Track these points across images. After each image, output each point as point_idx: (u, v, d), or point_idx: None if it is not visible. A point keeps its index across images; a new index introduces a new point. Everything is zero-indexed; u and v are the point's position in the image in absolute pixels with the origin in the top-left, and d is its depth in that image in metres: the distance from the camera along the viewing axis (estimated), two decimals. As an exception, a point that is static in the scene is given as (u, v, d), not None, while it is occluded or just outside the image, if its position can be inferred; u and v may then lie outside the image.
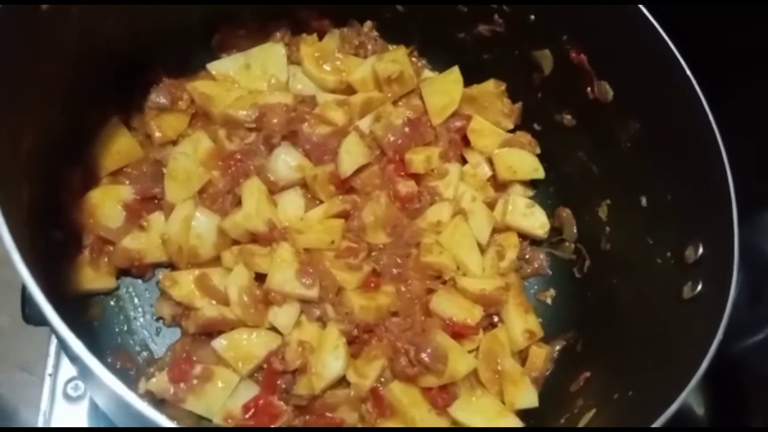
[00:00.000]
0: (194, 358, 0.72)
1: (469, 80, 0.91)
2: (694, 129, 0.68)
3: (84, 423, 0.77)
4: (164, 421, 0.47)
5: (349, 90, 0.89)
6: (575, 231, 0.89)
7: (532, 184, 0.92)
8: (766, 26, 0.78)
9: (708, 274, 0.66)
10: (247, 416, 0.71)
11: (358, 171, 0.81)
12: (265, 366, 0.73)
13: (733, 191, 0.65)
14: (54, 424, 0.77)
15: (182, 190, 0.78)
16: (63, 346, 0.54)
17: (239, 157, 0.80)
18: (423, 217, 0.83)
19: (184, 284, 0.74)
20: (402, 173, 0.85)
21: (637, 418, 0.60)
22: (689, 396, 0.57)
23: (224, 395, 0.71)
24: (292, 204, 0.80)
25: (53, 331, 0.48)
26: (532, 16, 0.81)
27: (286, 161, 0.80)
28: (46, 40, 0.63)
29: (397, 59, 0.89)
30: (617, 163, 0.81)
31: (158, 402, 0.70)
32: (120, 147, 0.79)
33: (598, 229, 0.85)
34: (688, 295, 0.67)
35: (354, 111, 0.86)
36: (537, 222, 0.89)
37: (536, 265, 0.89)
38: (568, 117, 0.86)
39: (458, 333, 0.78)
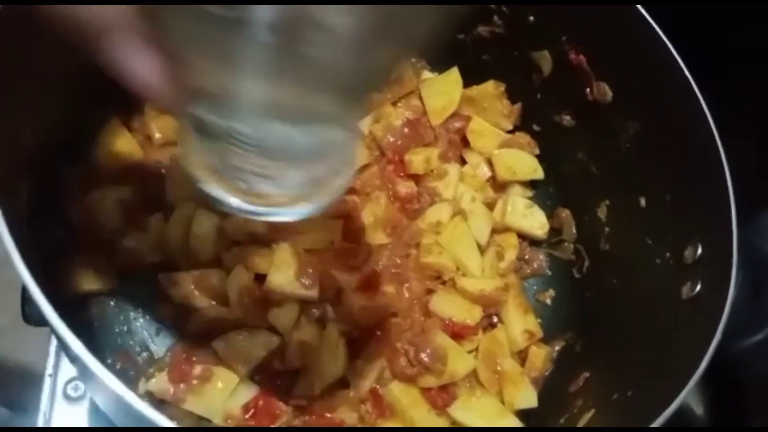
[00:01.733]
0: (194, 359, 0.72)
1: (468, 81, 0.91)
2: (694, 129, 0.69)
3: (84, 423, 0.77)
4: (164, 422, 0.47)
5: (349, 90, 0.89)
6: (574, 231, 0.89)
7: (531, 184, 0.93)
8: (766, 26, 0.78)
9: (707, 274, 0.66)
10: (247, 416, 0.71)
11: (358, 171, 0.82)
12: (264, 366, 0.73)
13: (733, 191, 0.65)
14: (54, 425, 0.77)
15: (182, 191, 0.77)
16: (63, 346, 0.54)
17: (239, 157, 0.80)
18: (422, 217, 0.83)
19: (184, 285, 0.74)
20: (401, 174, 0.85)
21: (637, 418, 0.60)
22: (689, 396, 0.57)
23: (224, 395, 0.71)
24: (291, 204, 0.80)
25: (53, 331, 0.48)
26: (531, 17, 0.81)
27: (286, 162, 0.80)
28: (46, 40, 0.63)
29: (397, 60, 0.89)
30: (616, 163, 0.81)
31: (158, 402, 0.70)
32: (120, 147, 0.79)
33: (597, 229, 0.85)
34: (688, 295, 0.67)
35: (353, 111, 0.87)
36: (536, 222, 0.89)
37: (536, 266, 0.89)
38: (568, 118, 0.86)
39: (458, 333, 0.79)
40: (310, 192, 0.45)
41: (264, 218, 0.45)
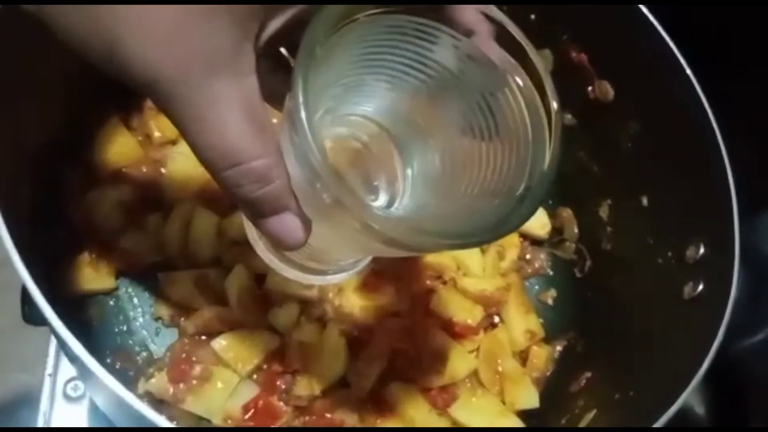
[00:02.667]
0: (193, 359, 0.72)
1: (469, 80, 0.91)
2: (695, 129, 0.68)
3: (84, 423, 0.77)
4: (164, 422, 0.46)
5: (350, 90, 0.89)
6: (576, 231, 0.89)
7: (532, 184, 0.92)
8: (766, 26, 0.78)
9: (709, 274, 0.66)
10: (246, 417, 0.71)
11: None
12: (264, 366, 0.73)
13: (734, 191, 0.65)
14: (54, 424, 0.77)
15: (181, 191, 0.77)
16: (62, 346, 0.54)
17: (239, 157, 0.80)
18: (423, 217, 0.83)
19: (183, 284, 0.74)
20: (402, 173, 0.84)
21: (639, 418, 0.60)
22: (690, 396, 0.57)
23: (224, 396, 0.71)
24: (291, 204, 0.80)
25: (53, 331, 0.48)
26: (533, 16, 0.81)
27: (286, 161, 0.80)
28: (46, 40, 0.63)
29: (398, 59, 0.88)
30: (618, 163, 0.81)
31: (158, 402, 0.70)
32: (119, 147, 0.79)
33: (598, 229, 0.85)
34: (689, 295, 0.67)
35: (354, 111, 0.86)
36: (538, 222, 0.89)
37: (537, 266, 0.89)
38: (569, 117, 0.86)
39: (458, 333, 0.78)
40: (338, 269, 0.58)
41: (309, 282, 0.59)
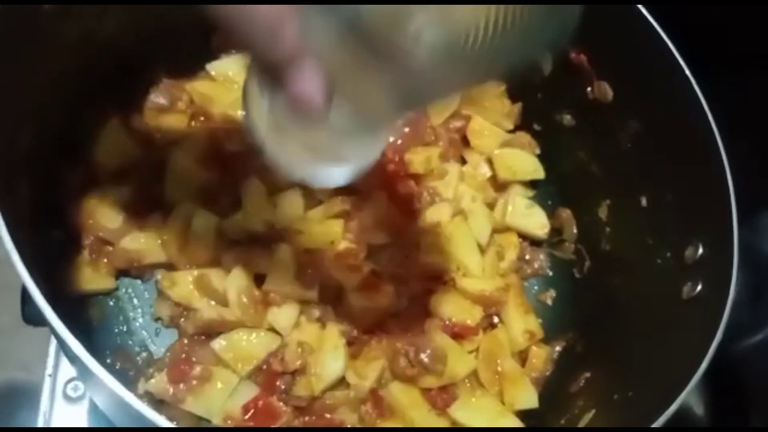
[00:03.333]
0: (193, 359, 0.72)
1: (468, 80, 0.91)
2: (694, 129, 0.68)
3: (84, 423, 0.77)
4: (163, 422, 0.46)
5: (349, 90, 0.89)
6: (575, 231, 0.89)
7: (532, 184, 0.92)
8: (765, 26, 0.78)
9: (708, 274, 0.66)
10: (246, 417, 0.71)
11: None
12: (264, 367, 0.73)
13: (733, 191, 0.65)
14: (54, 424, 0.77)
15: (181, 191, 0.77)
16: (62, 346, 0.54)
17: (239, 157, 0.80)
18: (423, 217, 0.83)
19: (183, 285, 0.74)
20: (402, 173, 0.84)
21: (638, 418, 0.60)
22: (689, 396, 0.57)
23: (223, 396, 0.71)
24: (291, 204, 0.80)
25: (53, 331, 0.48)
26: (532, 17, 0.81)
27: (286, 161, 0.80)
28: (46, 40, 0.63)
29: (397, 60, 0.88)
30: (617, 163, 0.81)
31: (157, 402, 0.70)
32: (119, 147, 0.79)
33: (598, 229, 0.85)
34: (688, 295, 0.67)
35: (354, 111, 0.86)
36: (537, 222, 0.89)
37: (536, 266, 0.89)
38: (568, 117, 0.86)
39: (458, 333, 0.78)
40: (350, 153, 0.55)
41: (313, 180, 0.56)
